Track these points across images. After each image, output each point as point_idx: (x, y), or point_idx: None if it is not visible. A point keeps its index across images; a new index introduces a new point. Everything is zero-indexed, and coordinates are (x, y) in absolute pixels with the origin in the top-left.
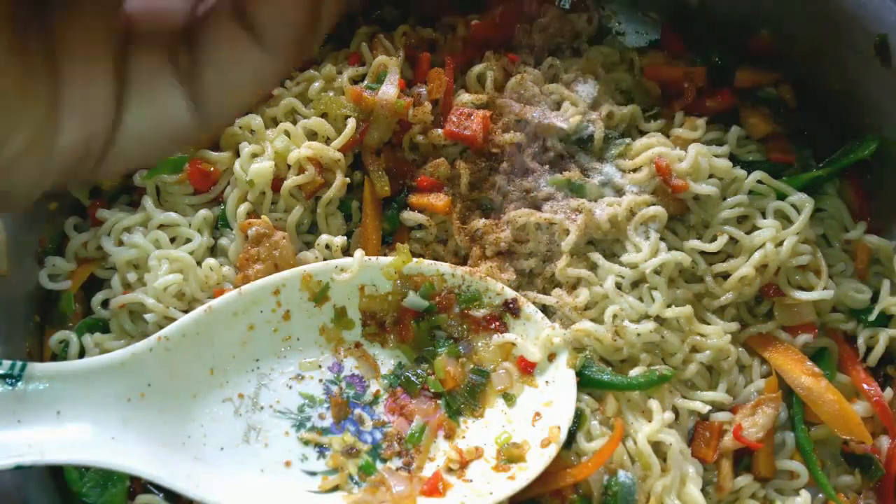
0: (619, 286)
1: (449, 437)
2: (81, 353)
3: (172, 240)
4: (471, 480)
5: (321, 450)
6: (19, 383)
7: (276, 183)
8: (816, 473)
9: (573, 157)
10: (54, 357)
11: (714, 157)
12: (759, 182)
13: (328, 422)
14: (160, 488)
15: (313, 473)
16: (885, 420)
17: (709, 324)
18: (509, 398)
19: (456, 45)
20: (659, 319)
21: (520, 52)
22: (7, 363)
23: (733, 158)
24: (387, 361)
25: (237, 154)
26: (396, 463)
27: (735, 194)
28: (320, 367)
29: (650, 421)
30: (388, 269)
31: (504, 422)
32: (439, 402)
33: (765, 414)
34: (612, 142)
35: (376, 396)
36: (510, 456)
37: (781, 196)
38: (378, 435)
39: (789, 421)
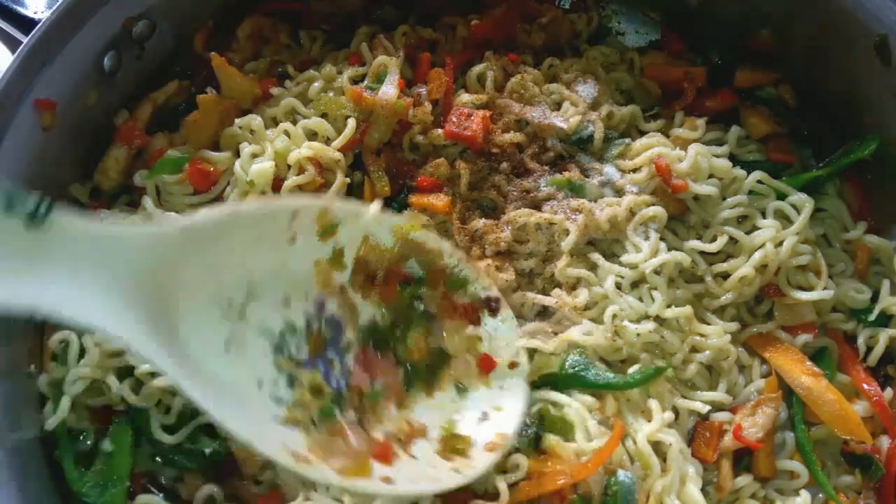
0: (618, 286)
1: (399, 406)
2: (81, 354)
3: None
4: (416, 458)
5: (291, 379)
6: (42, 226)
7: (277, 183)
8: (816, 473)
9: (573, 158)
10: (54, 357)
11: (714, 157)
12: (759, 182)
13: (303, 355)
14: (160, 488)
15: (279, 401)
16: (885, 420)
17: (709, 324)
18: (462, 389)
19: (456, 45)
20: (659, 319)
21: (520, 52)
22: (33, 200)
23: (733, 158)
24: (364, 313)
25: (237, 154)
26: (351, 416)
27: (735, 194)
28: (307, 298)
29: (650, 421)
30: (398, 228)
31: (452, 410)
32: (398, 369)
33: (765, 414)
34: (612, 142)
35: (348, 345)
36: (453, 446)
37: (781, 196)
38: (342, 383)
39: (789, 421)
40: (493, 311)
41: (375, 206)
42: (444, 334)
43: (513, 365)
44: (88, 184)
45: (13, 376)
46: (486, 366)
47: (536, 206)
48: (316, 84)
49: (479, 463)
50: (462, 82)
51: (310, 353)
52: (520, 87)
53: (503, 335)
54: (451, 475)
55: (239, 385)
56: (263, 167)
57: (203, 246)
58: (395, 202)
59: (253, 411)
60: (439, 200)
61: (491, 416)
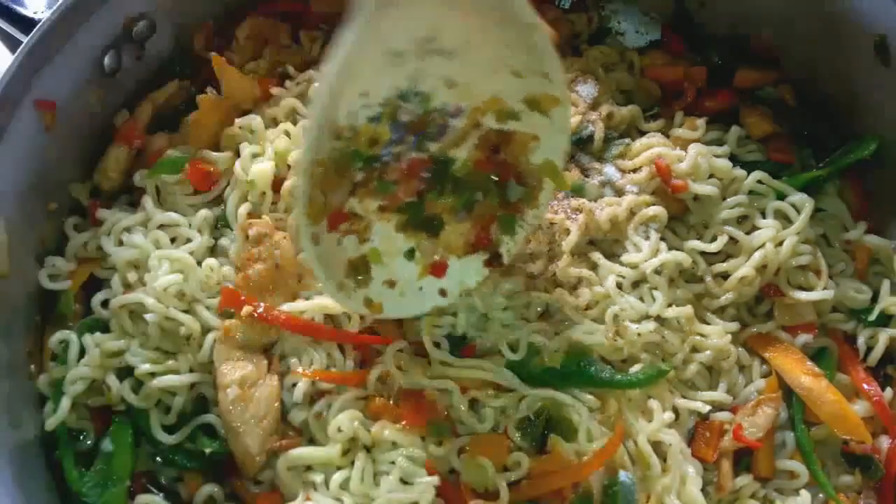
0: (619, 286)
1: None
2: (81, 354)
3: (173, 240)
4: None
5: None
6: None
7: (277, 183)
8: (817, 473)
9: (573, 158)
10: (54, 357)
11: (714, 158)
12: (759, 182)
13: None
14: (160, 488)
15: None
16: (885, 420)
17: (709, 324)
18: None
19: None
20: (659, 319)
21: None
22: None
23: (733, 158)
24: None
25: (237, 154)
26: None
27: (735, 194)
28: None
29: (650, 421)
30: None
31: None
32: None
33: (765, 414)
34: (612, 142)
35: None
36: None
37: (781, 196)
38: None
39: (789, 421)
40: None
41: None
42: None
43: None
44: (88, 183)
45: (13, 376)
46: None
47: None
48: (316, 84)
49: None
50: None
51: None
52: None
53: None
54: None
55: None
56: (263, 167)
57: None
58: None
59: None
60: None
61: None
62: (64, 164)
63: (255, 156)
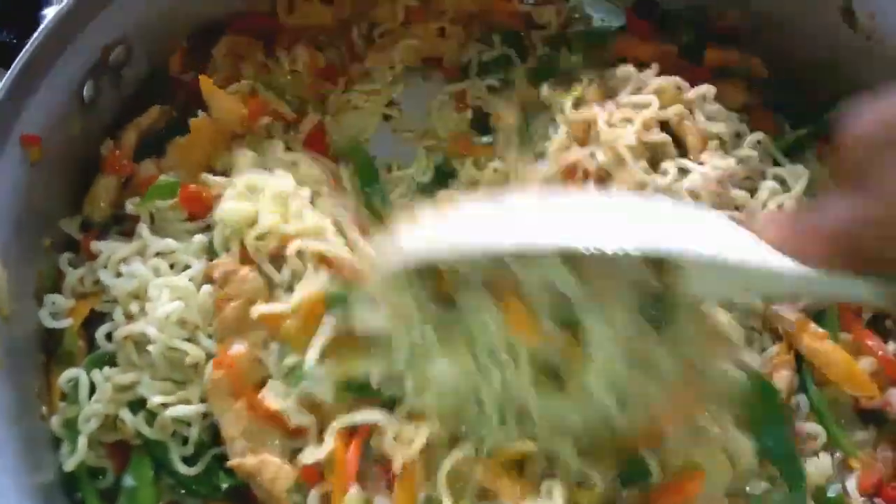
0: None
1: None
2: (92, 390)
3: (171, 267)
4: None
5: None
6: None
7: None
8: (834, 432)
9: None
10: (63, 397)
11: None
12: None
13: None
14: None
15: None
16: (892, 373)
17: None
18: None
19: None
20: None
21: None
22: None
23: None
24: None
25: None
26: None
27: None
28: None
29: None
30: None
31: None
32: None
33: (783, 377)
34: None
35: None
36: None
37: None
38: None
39: (800, 385)
40: None
41: None
42: None
43: None
44: (78, 217)
45: (27, 418)
46: None
47: None
48: None
49: None
50: None
51: None
52: None
53: None
54: None
55: None
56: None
57: None
58: None
59: None
60: None
61: None
62: (52, 199)
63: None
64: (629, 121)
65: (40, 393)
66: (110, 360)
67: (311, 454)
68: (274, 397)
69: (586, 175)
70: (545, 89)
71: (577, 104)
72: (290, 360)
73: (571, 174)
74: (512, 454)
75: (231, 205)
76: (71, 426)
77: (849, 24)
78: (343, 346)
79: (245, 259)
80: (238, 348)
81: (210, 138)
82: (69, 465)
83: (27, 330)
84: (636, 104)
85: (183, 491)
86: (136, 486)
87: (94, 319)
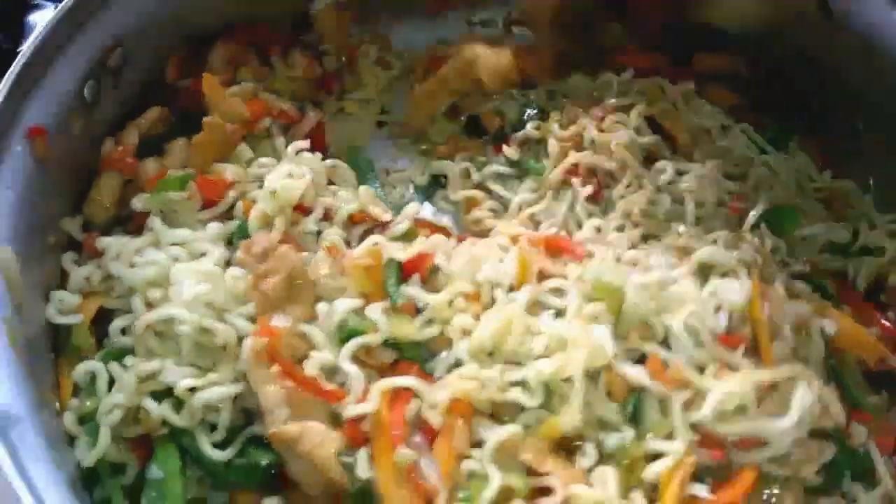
0: None
1: None
2: (111, 385)
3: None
4: None
5: None
6: None
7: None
8: (855, 394)
9: None
10: (75, 391)
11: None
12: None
13: None
14: None
15: None
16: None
17: None
18: None
19: None
20: None
21: None
22: None
23: None
24: None
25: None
26: None
27: None
28: None
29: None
30: None
31: None
32: None
33: None
34: None
35: None
36: None
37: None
38: None
39: None
40: None
41: None
42: None
43: None
44: (79, 217)
45: (45, 414)
46: None
47: None
48: None
49: None
50: None
51: None
52: None
53: None
54: None
55: None
56: (294, 183)
57: None
58: None
59: None
60: None
61: None
62: (55, 198)
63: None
64: (622, 124)
65: (54, 387)
66: (126, 354)
67: (355, 409)
68: (315, 367)
69: (589, 175)
70: (529, 127)
71: (565, 125)
72: (347, 303)
73: (574, 173)
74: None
75: (286, 181)
76: (87, 421)
77: (824, 13)
78: None
79: (284, 237)
80: (279, 321)
81: (223, 138)
82: (89, 459)
83: (36, 326)
84: (623, 106)
85: (210, 482)
86: (164, 478)
87: (102, 318)
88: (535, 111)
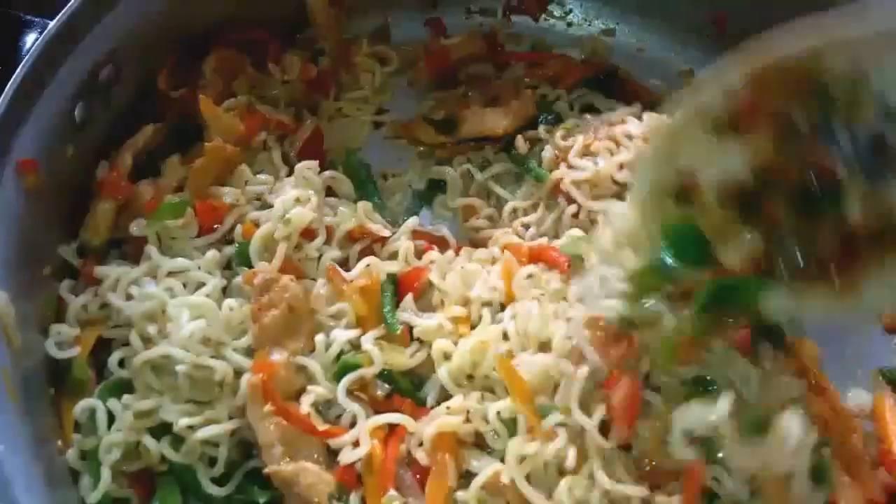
0: None
1: None
2: (110, 420)
3: (184, 286)
4: None
5: None
6: None
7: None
8: None
9: None
10: (76, 428)
11: None
12: None
13: None
14: None
15: None
16: None
17: None
18: None
19: None
20: None
21: None
22: None
23: None
24: None
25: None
26: None
27: None
28: None
29: None
30: None
31: None
32: None
33: None
34: None
35: None
36: None
37: None
38: None
39: None
40: None
41: None
42: None
43: None
44: (74, 243)
45: (44, 452)
46: None
47: None
48: None
49: None
50: None
51: None
52: None
53: None
54: None
55: None
56: (304, 212)
57: None
58: None
59: None
60: None
61: None
62: (49, 226)
63: (297, 200)
64: (610, 151)
65: (53, 426)
66: (125, 387)
67: (351, 454)
68: (311, 405)
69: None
70: (541, 129)
71: (566, 136)
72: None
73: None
74: None
75: (298, 211)
76: (90, 458)
77: None
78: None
79: (285, 267)
80: (277, 356)
81: (225, 160)
82: (93, 497)
83: (35, 362)
84: (615, 137)
85: None
86: None
87: (102, 346)
88: (552, 115)
